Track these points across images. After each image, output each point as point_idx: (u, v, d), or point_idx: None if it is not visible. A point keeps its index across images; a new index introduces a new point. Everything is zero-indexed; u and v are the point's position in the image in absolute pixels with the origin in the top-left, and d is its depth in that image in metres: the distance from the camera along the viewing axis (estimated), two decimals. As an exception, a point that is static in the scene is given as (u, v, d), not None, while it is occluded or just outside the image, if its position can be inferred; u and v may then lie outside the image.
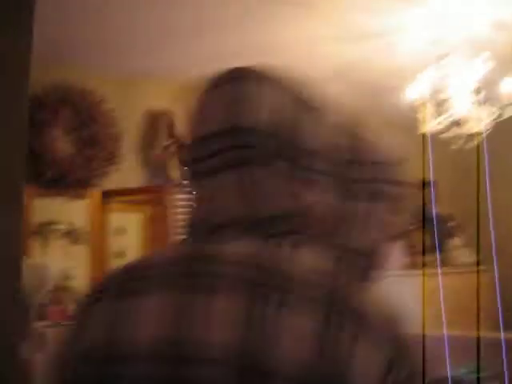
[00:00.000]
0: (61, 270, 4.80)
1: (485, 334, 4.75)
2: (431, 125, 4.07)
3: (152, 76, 5.15)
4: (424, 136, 4.34)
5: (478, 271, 4.90)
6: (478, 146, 4.20)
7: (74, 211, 4.80)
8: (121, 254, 5.12)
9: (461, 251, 6.88)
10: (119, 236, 5.13)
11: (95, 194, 4.80)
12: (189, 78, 4.95)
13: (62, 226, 4.88)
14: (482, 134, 4.14)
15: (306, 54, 4.71)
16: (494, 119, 4.07)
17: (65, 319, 4.30)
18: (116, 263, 5.10)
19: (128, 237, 5.17)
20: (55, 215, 4.77)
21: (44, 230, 4.85)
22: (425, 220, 6.77)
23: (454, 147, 4.31)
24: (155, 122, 5.19)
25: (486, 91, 3.94)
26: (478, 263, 5.16)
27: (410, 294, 6.26)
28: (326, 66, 4.84)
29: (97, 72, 4.90)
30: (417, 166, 6.98)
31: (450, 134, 4.18)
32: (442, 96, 3.98)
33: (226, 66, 1.04)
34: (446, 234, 6.91)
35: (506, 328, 4.91)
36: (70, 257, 4.94)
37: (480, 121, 3.96)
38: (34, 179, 4.56)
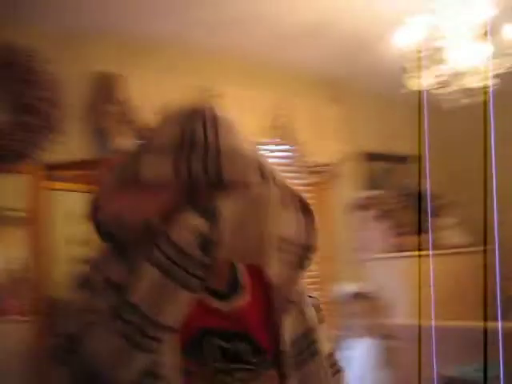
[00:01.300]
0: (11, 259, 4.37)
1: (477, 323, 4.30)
2: (424, 81, 3.46)
3: (98, 34, 4.55)
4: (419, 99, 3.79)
5: (485, 251, 4.32)
6: (484, 104, 3.57)
7: (9, 189, 4.19)
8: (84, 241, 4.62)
9: (452, 231, 6.37)
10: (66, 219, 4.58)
11: (34, 168, 4.15)
12: (137, 37, 4.52)
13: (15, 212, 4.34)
14: (487, 90, 3.51)
15: (287, 8, 4.23)
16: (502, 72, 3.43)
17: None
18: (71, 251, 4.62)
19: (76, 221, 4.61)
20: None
21: None
22: (416, 198, 6.28)
23: (451, 106, 3.67)
24: (102, 86, 4.57)
25: (492, 38, 3.33)
26: (485, 243, 4.56)
27: (399, 277, 5.86)
28: (307, 20, 4.37)
29: (34, 28, 4.29)
30: (405, 132, 6.57)
31: (446, 91, 3.56)
32: (437, 44, 3.37)
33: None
34: (435, 213, 6.39)
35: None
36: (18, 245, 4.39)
37: (484, 74, 3.35)
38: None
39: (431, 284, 5.56)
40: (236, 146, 1.34)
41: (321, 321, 1.49)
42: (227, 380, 1.21)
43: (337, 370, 1.46)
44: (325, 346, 1.43)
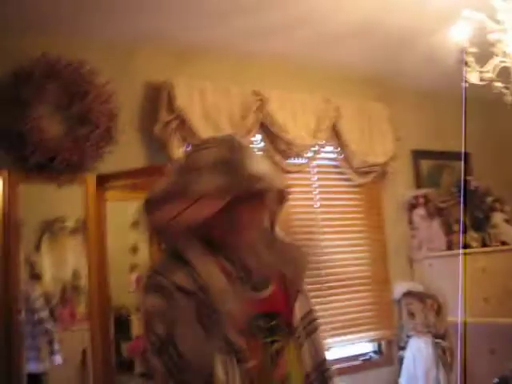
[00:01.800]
0: (68, 268, 4.55)
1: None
2: (478, 76, 3.42)
3: (151, 43, 4.61)
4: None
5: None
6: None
7: (64, 200, 4.28)
8: (132, 249, 4.71)
9: (504, 228, 6.28)
10: (122, 227, 4.66)
11: (89, 178, 4.23)
12: (184, 44, 4.57)
13: (68, 223, 4.49)
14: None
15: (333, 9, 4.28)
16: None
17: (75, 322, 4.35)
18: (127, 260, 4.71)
19: (133, 227, 4.70)
20: (44, 204, 4.30)
21: (49, 227, 4.47)
22: (467, 195, 6.22)
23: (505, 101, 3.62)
24: (155, 96, 4.63)
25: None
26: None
27: (452, 275, 5.81)
28: (353, 19, 4.44)
29: (87, 40, 4.39)
30: (455, 129, 6.51)
31: (501, 86, 3.51)
32: (493, 37, 3.32)
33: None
34: (486, 210, 6.32)
35: None
36: (74, 254, 4.56)
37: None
38: (19, 164, 4.07)
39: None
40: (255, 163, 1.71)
41: None
42: (273, 348, 1.68)
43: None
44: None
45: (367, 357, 5.70)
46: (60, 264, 4.58)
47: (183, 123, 4.58)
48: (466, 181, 6.33)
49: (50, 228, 4.49)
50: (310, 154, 5.37)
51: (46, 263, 4.50)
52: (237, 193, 1.62)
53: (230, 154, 1.65)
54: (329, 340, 5.21)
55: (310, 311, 1.87)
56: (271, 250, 1.78)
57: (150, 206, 1.79)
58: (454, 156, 6.58)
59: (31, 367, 4.20)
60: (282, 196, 1.83)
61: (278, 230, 1.87)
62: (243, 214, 1.69)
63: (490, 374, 3.55)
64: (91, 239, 4.23)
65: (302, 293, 1.85)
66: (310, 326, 1.84)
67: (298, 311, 1.81)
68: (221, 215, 1.63)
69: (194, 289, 1.59)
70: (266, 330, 1.68)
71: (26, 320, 4.21)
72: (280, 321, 1.73)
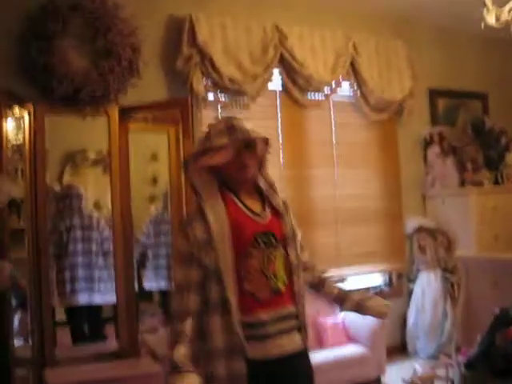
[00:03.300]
0: (90, 198, 4.69)
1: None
2: (490, 17, 3.45)
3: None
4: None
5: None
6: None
7: (88, 131, 4.40)
8: (152, 180, 4.84)
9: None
10: (142, 159, 4.78)
11: (113, 110, 4.34)
12: None
13: (90, 154, 4.66)
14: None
15: None
16: None
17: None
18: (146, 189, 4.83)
19: (153, 159, 4.83)
20: (68, 136, 4.42)
21: (72, 158, 4.64)
22: (482, 134, 6.27)
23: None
24: (177, 31, 4.71)
25: None
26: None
27: (464, 212, 5.93)
28: None
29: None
30: (472, 69, 6.50)
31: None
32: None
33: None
34: (501, 150, 6.37)
35: None
36: (95, 184, 4.76)
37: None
38: (45, 95, 4.20)
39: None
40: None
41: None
42: (269, 254, 2.42)
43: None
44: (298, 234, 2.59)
45: (378, 288, 5.88)
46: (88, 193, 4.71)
47: (204, 58, 4.66)
48: (482, 120, 6.38)
49: (73, 159, 4.63)
50: (327, 90, 5.44)
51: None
52: (239, 144, 2.40)
53: (231, 122, 2.43)
54: (342, 270, 5.41)
55: (293, 228, 2.57)
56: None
57: (187, 163, 2.46)
58: (471, 95, 6.61)
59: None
60: (266, 143, 2.52)
61: (266, 170, 2.57)
62: (246, 158, 2.43)
63: (493, 306, 3.71)
64: (114, 170, 4.34)
65: (288, 215, 2.57)
66: (292, 239, 2.54)
67: (285, 230, 2.52)
68: (233, 160, 2.41)
69: (205, 235, 2.36)
70: (265, 242, 2.43)
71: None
72: (273, 236, 2.46)
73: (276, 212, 2.52)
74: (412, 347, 5.71)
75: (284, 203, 2.57)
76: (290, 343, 2.43)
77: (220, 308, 2.34)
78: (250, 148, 2.42)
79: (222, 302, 2.34)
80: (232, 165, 2.41)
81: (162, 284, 4.76)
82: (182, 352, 2.28)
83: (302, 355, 2.49)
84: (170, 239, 4.62)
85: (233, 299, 2.33)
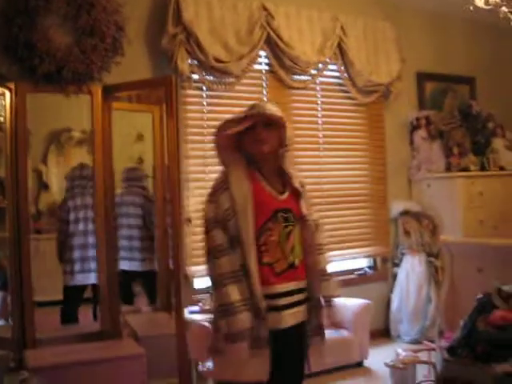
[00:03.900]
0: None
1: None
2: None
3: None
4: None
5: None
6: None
7: (72, 110, 4.35)
8: (137, 160, 4.81)
9: (504, 153, 6.34)
10: (128, 138, 4.74)
11: (96, 89, 4.28)
12: None
13: (75, 134, 4.60)
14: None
15: None
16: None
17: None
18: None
19: (138, 139, 4.79)
20: (51, 115, 4.37)
21: (56, 137, 4.59)
22: (469, 118, 6.26)
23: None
24: (162, 8, 4.63)
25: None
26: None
27: (449, 197, 5.93)
28: None
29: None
30: (460, 53, 6.47)
31: (502, 14, 3.52)
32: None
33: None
34: (488, 134, 6.36)
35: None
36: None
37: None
38: (27, 75, 4.12)
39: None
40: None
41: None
42: (287, 229, 2.61)
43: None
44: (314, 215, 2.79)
45: (362, 272, 5.89)
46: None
47: (190, 37, 4.60)
48: (469, 105, 6.36)
49: (58, 138, 4.58)
50: (314, 72, 5.40)
51: (53, 173, 4.61)
52: (256, 120, 2.59)
53: (255, 104, 2.68)
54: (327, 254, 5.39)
55: (310, 207, 2.76)
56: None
57: (215, 133, 2.67)
58: (459, 79, 6.59)
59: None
60: (283, 122, 2.65)
61: (286, 159, 2.69)
62: (260, 133, 2.60)
63: (476, 291, 3.72)
64: (97, 148, 4.29)
65: (304, 199, 2.73)
66: (309, 217, 2.72)
67: (303, 210, 2.68)
68: (249, 133, 2.61)
69: (228, 204, 2.54)
70: (284, 219, 2.61)
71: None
72: (292, 214, 2.64)
73: (295, 192, 2.70)
74: (395, 331, 5.72)
75: (302, 185, 2.75)
76: (301, 314, 2.65)
77: (243, 273, 2.52)
78: (267, 126, 2.62)
79: (244, 269, 2.52)
80: (249, 139, 2.62)
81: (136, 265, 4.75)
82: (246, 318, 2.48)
83: (304, 325, 2.70)
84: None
85: (253, 266, 2.51)
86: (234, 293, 2.48)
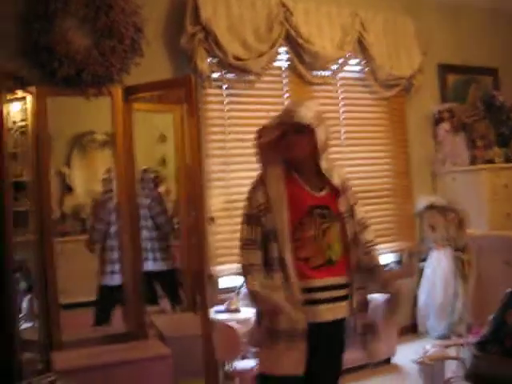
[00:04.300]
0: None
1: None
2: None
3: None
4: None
5: None
6: None
7: (93, 113, 4.35)
8: (160, 161, 4.80)
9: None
10: (150, 140, 4.74)
11: (116, 90, 4.28)
12: None
13: (97, 136, 4.59)
14: None
15: None
16: None
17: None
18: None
19: (161, 140, 4.79)
20: (73, 118, 4.38)
21: (79, 141, 4.58)
22: (493, 110, 6.17)
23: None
24: (181, 8, 4.63)
25: None
26: None
27: (474, 190, 5.85)
28: None
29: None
30: (483, 44, 6.39)
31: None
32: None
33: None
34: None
35: None
36: (104, 167, 4.63)
37: None
38: (47, 78, 4.13)
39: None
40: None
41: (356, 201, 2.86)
42: (323, 226, 2.66)
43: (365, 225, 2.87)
44: (359, 213, 2.84)
45: (388, 267, 5.83)
46: (91, 177, 4.71)
47: (208, 35, 4.59)
48: (492, 96, 6.27)
49: (80, 141, 4.59)
50: (335, 67, 5.36)
51: (77, 176, 4.63)
52: (286, 126, 2.67)
53: (286, 108, 2.80)
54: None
55: (352, 206, 2.80)
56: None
57: (257, 137, 2.75)
58: (481, 71, 6.51)
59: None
60: (325, 133, 2.72)
61: (322, 159, 2.74)
62: (291, 139, 2.67)
63: (505, 285, 3.66)
64: (119, 151, 4.29)
65: (344, 197, 2.78)
66: (349, 214, 2.77)
67: (341, 207, 2.74)
68: (281, 140, 2.68)
69: (264, 200, 2.65)
70: (320, 215, 2.67)
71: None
72: (329, 211, 2.70)
73: (334, 191, 2.76)
74: (423, 327, 5.66)
75: (344, 184, 2.81)
76: (341, 310, 2.69)
77: (279, 266, 2.61)
78: (300, 132, 2.67)
79: (280, 260, 2.61)
80: (282, 146, 2.70)
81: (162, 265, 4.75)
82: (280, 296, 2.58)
83: (343, 322, 2.74)
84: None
85: (289, 258, 2.60)
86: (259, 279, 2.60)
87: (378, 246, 2.89)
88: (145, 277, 4.40)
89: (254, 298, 2.65)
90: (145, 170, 4.66)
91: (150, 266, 4.57)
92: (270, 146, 2.71)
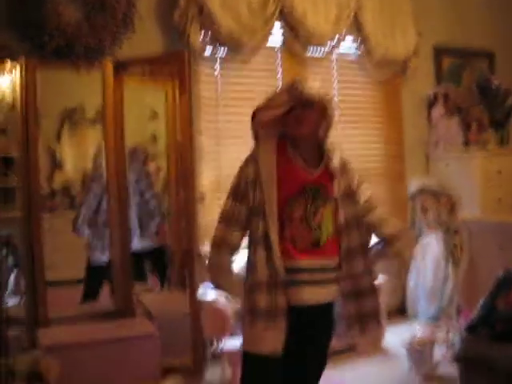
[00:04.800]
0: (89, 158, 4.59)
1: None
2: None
3: None
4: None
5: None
6: None
7: (84, 88, 4.29)
8: (151, 139, 4.75)
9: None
10: (141, 117, 4.69)
11: (107, 64, 4.21)
12: None
13: (88, 112, 4.51)
14: None
15: None
16: None
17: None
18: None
19: (153, 117, 4.74)
20: (63, 93, 4.31)
21: (69, 116, 4.49)
22: (484, 94, 6.14)
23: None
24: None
25: None
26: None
27: (468, 174, 5.83)
28: None
29: None
30: (479, 27, 6.33)
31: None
32: None
33: None
34: (508, 110, 6.23)
35: None
36: (95, 143, 4.57)
37: None
38: (36, 51, 4.05)
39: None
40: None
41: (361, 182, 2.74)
42: (314, 205, 2.57)
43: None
44: (364, 195, 2.70)
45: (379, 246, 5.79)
46: (81, 153, 4.64)
47: (202, 10, 4.52)
48: (488, 79, 6.23)
49: (71, 117, 4.53)
50: (330, 45, 5.30)
51: (67, 152, 4.57)
52: (295, 102, 2.55)
53: (293, 83, 2.59)
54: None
55: (351, 185, 2.67)
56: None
57: (253, 114, 2.63)
58: (477, 54, 6.46)
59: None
60: (329, 108, 2.61)
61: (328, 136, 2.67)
62: (300, 114, 2.56)
63: (496, 269, 3.65)
64: (109, 125, 4.24)
65: (342, 179, 2.66)
66: (347, 195, 2.66)
67: (337, 189, 2.62)
68: (288, 115, 2.56)
69: (254, 175, 2.57)
70: (313, 195, 2.57)
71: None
72: (323, 191, 2.59)
73: (331, 171, 2.63)
74: (412, 310, 5.65)
75: (344, 165, 2.70)
76: (327, 294, 2.61)
77: (263, 242, 2.53)
78: (307, 106, 2.57)
79: (266, 237, 2.53)
80: (289, 121, 2.59)
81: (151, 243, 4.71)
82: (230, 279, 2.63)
83: (331, 307, 2.68)
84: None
85: (274, 237, 2.51)
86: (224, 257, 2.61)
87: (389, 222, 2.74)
88: (133, 254, 4.37)
89: (209, 273, 2.68)
90: (134, 147, 4.61)
91: (139, 243, 4.54)
92: (271, 123, 2.62)
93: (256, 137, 2.66)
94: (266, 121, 2.61)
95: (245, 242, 2.64)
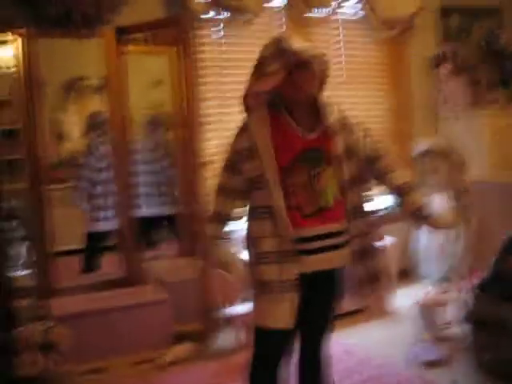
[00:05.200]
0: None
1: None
2: None
3: None
4: None
5: None
6: None
7: (86, 57, 4.25)
8: (156, 106, 4.72)
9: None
10: (145, 83, 4.65)
11: (108, 31, 4.16)
12: None
13: (92, 81, 4.54)
14: None
15: None
16: None
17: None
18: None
19: (158, 84, 4.70)
20: (66, 62, 4.27)
21: (73, 85, 4.53)
22: (492, 51, 6.05)
23: None
24: None
25: None
26: None
27: (476, 133, 5.77)
28: None
29: None
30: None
31: None
32: None
33: None
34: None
35: None
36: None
37: None
38: (36, 21, 3.99)
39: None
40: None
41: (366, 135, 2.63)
42: (316, 170, 2.46)
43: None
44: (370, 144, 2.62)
45: (389, 210, 5.77)
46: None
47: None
48: (496, 35, 6.14)
49: (75, 86, 4.51)
50: (334, 5, 5.22)
51: (72, 122, 4.56)
52: (290, 64, 2.41)
53: (281, 45, 2.44)
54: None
55: (354, 144, 2.55)
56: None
57: (246, 91, 2.56)
58: (485, 11, 6.35)
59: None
60: (323, 63, 2.50)
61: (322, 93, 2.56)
62: (299, 78, 2.44)
63: (506, 228, 3.62)
64: (112, 94, 4.21)
65: (343, 135, 2.53)
66: (349, 156, 2.54)
67: (337, 147, 2.49)
68: (286, 81, 2.42)
69: (247, 144, 2.48)
70: (313, 159, 2.47)
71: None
72: (322, 153, 2.48)
73: (330, 129, 2.51)
74: (423, 270, 5.64)
75: (343, 120, 2.57)
76: (337, 259, 2.53)
77: (268, 214, 2.44)
78: (302, 67, 2.44)
79: (270, 209, 2.43)
80: (287, 86, 2.46)
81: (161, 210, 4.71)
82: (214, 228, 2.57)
83: (341, 272, 2.62)
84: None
85: (280, 204, 2.42)
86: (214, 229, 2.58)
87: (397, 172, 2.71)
88: (143, 222, 4.38)
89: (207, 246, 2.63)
90: (154, 115, 4.66)
91: (148, 210, 4.54)
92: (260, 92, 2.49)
93: (246, 108, 2.56)
94: (260, 92, 2.49)
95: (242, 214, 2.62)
